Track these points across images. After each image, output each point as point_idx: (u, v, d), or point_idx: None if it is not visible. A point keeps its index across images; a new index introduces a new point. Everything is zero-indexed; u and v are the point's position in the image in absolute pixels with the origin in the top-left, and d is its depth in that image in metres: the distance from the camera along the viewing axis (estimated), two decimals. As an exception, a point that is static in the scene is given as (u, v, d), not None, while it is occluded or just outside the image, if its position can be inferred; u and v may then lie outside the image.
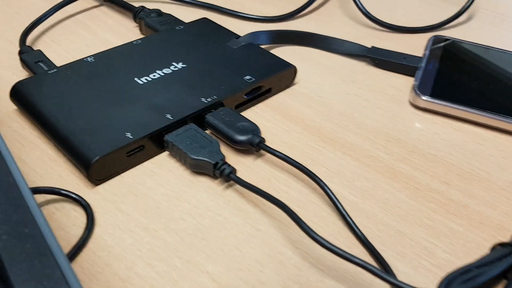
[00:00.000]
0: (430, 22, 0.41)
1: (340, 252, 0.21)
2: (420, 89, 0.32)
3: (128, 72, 0.30)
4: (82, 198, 0.24)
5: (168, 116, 0.27)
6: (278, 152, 0.26)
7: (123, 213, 0.24)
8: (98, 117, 0.27)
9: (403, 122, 0.31)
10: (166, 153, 0.27)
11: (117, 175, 0.26)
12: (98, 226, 0.23)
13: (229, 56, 0.33)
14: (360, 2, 0.40)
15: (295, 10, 0.41)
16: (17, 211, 0.18)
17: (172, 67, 0.31)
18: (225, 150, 0.27)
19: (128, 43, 0.33)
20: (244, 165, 0.27)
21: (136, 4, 0.40)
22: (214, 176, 0.26)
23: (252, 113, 0.31)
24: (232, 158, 0.27)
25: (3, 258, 0.16)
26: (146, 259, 0.22)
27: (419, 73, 0.33)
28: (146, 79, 0.30)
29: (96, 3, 0.42)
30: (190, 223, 0.24)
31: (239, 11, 0.41)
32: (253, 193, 0.24)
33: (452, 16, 0.40)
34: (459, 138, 0.30)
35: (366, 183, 0.26)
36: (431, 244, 0.23)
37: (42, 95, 0.28)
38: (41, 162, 0.26)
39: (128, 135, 0.25)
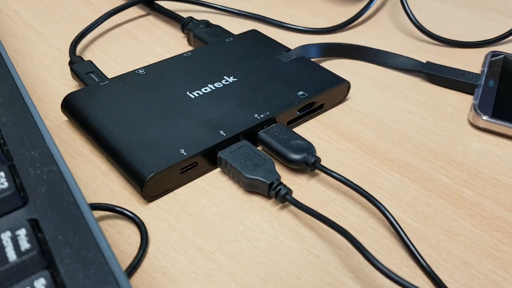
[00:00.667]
0: (486, 36, 0.39)
1: (405, 283, 0.20)
2: (481, 108, 0.30)
3: (179, 85, 0.30)
4: (136, 216, 0.23)
5: (221, 132, 0.26)
6: (335, 173, 0.25)
7: (177, 233, 0.23)
8: (152, 132, 0.26)
9: (463, 143, 0.29)
10: (218, 169, 0.27)
11: (170, 192, 0.25)
12: (152, 245, 0.23)
13: (280, 70, 0.32)
14: (413, 14, 0.39)
15: (344, 22, 0.40)
16: (79, 234, 0.17)
17: (223, 81, 0.30)
18: (278, 168, 0.26)
19: (179, 55, 0.33)
20: (298, 185, 0.26)
21: (183, 14, 0.39)
22: (268, 196, 0.25)
23: (304, 130, 0.30)
24: (286, 177, 0.26)
25: (66, 283, 0.16)
26: (201, 282, 0.21)
27: (479, 91, 0.32)
28: (198, 93, 0.29)
29: (143, 13, 0.42)
30: (245, 245, 0.23)
31: (288, 22, 0.41)
32: (308, 216, 0.24)
33: (510, 30, 0.39)
34: (523, 162, 0.28)
35: (428, 209, 0.25)
36: (499, 276, 0.22)
37: (94, 107, 0.28)
38: (93, 177, 0.26)
39: (182, 151, 0.25)
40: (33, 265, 0.16)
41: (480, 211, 0.25)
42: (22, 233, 0.17)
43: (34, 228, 0.18)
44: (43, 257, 0.17)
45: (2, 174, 0.19)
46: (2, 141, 0.22)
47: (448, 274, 0.22)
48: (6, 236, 0.17)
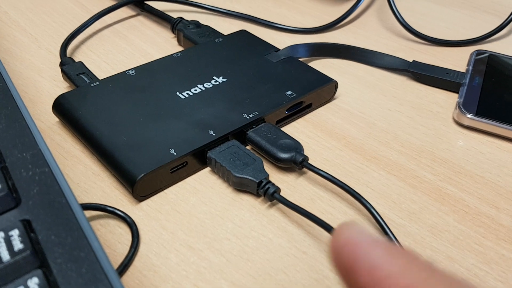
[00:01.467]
0: (472, 35, 0.40)
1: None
2: (465, 106, 0.31)
3: (170, 86, 0.30)
4: (127, 215, 0.24)
5: (211, 132, 0.27)
6: (322, 171, 0.26)
7: (167, 231, 0.24)
8: (142, 133, 0.26)
9: (448, 141, 0.30)
10: (207, 169, 0.27)
11: (160, 191, 0.26)
12: (143, 244, 0.23)
13: (269, 70, 0.32)
14: (399, 14, 0.40)
15: (333, 22, 0.41)
16: (71, 234, 0.18)
17: (213, 81, 0.31)
18: (266, 167, 0.27)
19: (169, 56, 0.33)
20: (287, 184, 0.27)
21: (172, 14, 0.40)
22: (257, 194, 0.26)
23: (292, 129, 0.30)
24: (274, 175, 0.27)
25: (59, 282, 0.16)
26: (192, 280, 0.22)
27: (463, 89, 0.33)
28: (188, 94, 0.30)
29: (133, 13, 0.42)
30: (235, 243, 0.23)
31: (277, 21, 0.41)
32: (296, 213, 0.24)
33: (495, 29, 0.39)
34: (506, 159, 0.29)
35: (413, 205, 0.26)
36: (481, 271, 0.23)
37: (85, 108, 0.28)
38: (84, 177, 0.26)
39: (172, 151, 0.25)
40: (26, 264, 0.17)
41: (464, 207, 0.26)
42: (15, 233, 0.17)
43: (27, 228, 0.18)
44: (36, 256, 0.17)
45: (-5, 175, 0.20)
46: (-6, 143, 0.22)
47: (432, 269, 0.23)
48: (0, 237, 0.17)
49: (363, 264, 0.13)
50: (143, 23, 0.41)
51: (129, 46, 0.38)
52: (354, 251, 0.13)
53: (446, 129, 0.31)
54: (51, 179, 0.20)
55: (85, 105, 0.28)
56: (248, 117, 0.28)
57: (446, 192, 0.26)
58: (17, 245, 0.17)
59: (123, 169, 0.25)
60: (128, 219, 0.24)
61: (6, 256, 0.17)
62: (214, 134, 0.27)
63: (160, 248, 0.23)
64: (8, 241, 0.17)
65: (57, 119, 0.30)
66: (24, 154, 0.21)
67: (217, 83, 0.31)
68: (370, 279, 0.13)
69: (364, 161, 0.28)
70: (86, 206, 0.24)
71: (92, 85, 0.30)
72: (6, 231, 0.18)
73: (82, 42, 0.38)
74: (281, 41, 0.39)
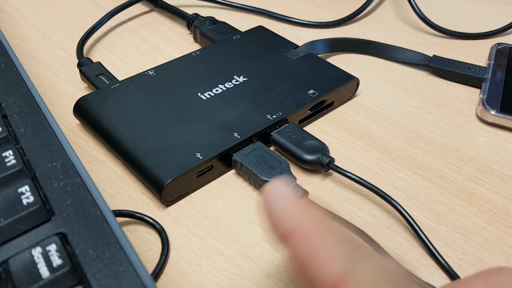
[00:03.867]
0: (490, 26, 0.40)
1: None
2: (489, 103, 0.31)
3: (190, 86, 0.30)
4: (157, 222, 0.24)
5: (235, 134, 0.27)
6: (350, 173, 0.25)
7: (196, 237, 0.24)
8: (166, 136, 0.26)
9: (472, 138, 0.30)
10: (232, 171, 0.27)
11: (186, 196, 0.26)
12: (173, 250, 0.23)
13: (289, 68, 0.32)
14: (417, 6, 0.39)
15: (349, 15, 0.40)
16: (108, 248, 0.18)
17: (233, 81, 0.30)
18: (292, 168, 0.27)
19: (187, 55, 0.33)
20: (313, 186, 0.26)
21: (185, 8, 0.39)
22: (284, 198, 0.25)
23: (315, 128, 0.30)
24: (300, 177, 0.27)
25: (101, 298, 0.16)
26: (225, 287, 0.22)
27: (486, 85, 0.32)
28: (209, 94, 0.29)
29: (147, 9, 0.42)
30: (265, 249, 0.23)
31: (292, 15, 0.41)
32: (326, 217, 0.24)
33: (514, 21, 0.39)
34: (532, 157, 0.29)
35: (441, 207, 0.25)
36: (513, 273, 0.23)
37: (107, 111, 0.28)
38: (110, 182, 0.26)
39: (198, 155, 0.25)
40: (66, 280, 0.17)
41: (492, 208, 0.25)
42: (52, 248, 0.17)
43: (64, 243, 0.18)
44: (75, 272, 0.17)
45: (27, 187, 0.19)
46: (22, 151, 0.22)
47: (464, 272, 0.22)
48: (37, 252, 0.17)
49: (271, 209, 0.16)
50: (157, 19, 0.40)
51: (144, 44, 0.37)
52: (265, 199, 0.17)
53: (469, 126, 0.31)
54: (83, 190, 0.20)
55: (107, 107, 0.28)
56: (271, 118, 0.28)
57: (473, 192, 0.26)
58: (56, 260, 0.17)
59: (150, 174, 0.24)
60: (157, 226, 0.23)
61: (45, 273, 0.17)
62: (238, 137, 0.26)
63: (190, 254, 0.23)
64: (46, 257, 0.17)
65: (77, 122, 0.30)
66: (54, 163, 0.21)
67: (238, 82, 0.30)
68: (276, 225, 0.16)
69: (390, 161, 0.28)
70: (116, 213, 0.24)
71: (112, 86, 0.30)
72: (43, 246, 0.17)
73: (97, 40, 0.37)
74: (297, 35, 0.39)
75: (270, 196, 0.17)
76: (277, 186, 0.17)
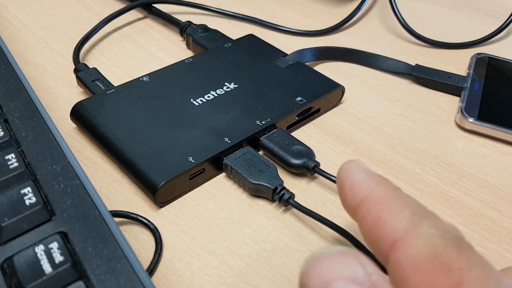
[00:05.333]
0: (472, 37, 0.41)
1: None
2: (467, 110, 0.32)
3: (183, 93, 0.31)
4: (151, 222, 0.25)
5: (226, 139, 0.28)
6: (334, 176, 0.27)
7: (188, 237, 0.25)
8: (160, 140, 0.28)
9: (451, 144, 0.31)
10: (223, 174, 0.28)
11: (179, 197, 0.27)
12: (166, 249, 0.24)
13: (278, 75, 0.33)
14: (401, 16, 0.41)
15: (336, 25, 0.42)
16: (107, 246, 0.19)
17: (225, 88, 0.32)
18: (279, 172, 0.28)
19: (180, 62, 0.34)
20: (299, 189, 0.28)
21: (178, 16, 0.40)
22: (272, 200, 0.27)
23: (302, 134, 0.32)
24: (287, 180, 0.28)
25: (100, 293, 0.17)
26: (215, 284, 0.23)
27: (465, 93, 0.34)
28: (201, 100, 0.31)
29: (141, 15, 0.43)
30: (253, 248, 0.25)
31: (282, 24, 0.42)
32: (310, 218, 0.25)
33: (494, 32, 0.41)
34: (507, 162, 0.30)
35: (420, 209, 0.27)
36: (485, 272, 0.24)
37: (104, 116, 0.29)
38: (105, 184, 0.27)
39: (191, 159, 0.26)
40: (67, 276, 0.18)
41: (468, 211, 0.27)
42: (54, 246, 0.19)
43: (65, 241, 0.19)
44: (75, 268, 0.18)
45: (29, 189, 0.21)
46: (23, 154, 0.23)
47: (439, 270, 0.24)
48: (40, 250, 0.18)
49: (347, 181, 0.18)
50: (151, 26, 0.42)
51: (139, 50, 0.39)
52: (341, 174, 0.19)
53: (448, 132, 0.32)
54: (82, 191, 0.21)
55: (103, 112, 0.29)
56: (261, 124, 0.29)
57: (450, 196, 0.28)
58: (58, 257, 0.18)
59: (145, 177, 0.26)
60: (151, 226, 0.25)
61: (48, 269, 0.18)
62: (229, 141, 0.28)
63: (182, 253, 0.24)
64: (48, 254, 0.18)
65: (74, 125, 0.31)
66: (54, 166, 0.22)
67: (229, 89, 0.32)
68: (350, 195, 0.18)
69: (372, 166, 0.29)
70: (111, 214, 0.25)
71: (108, 92, 0.31)
72: (46, 244, 0.19)
73: (93, 46, 0.39)
74: (286, 44, 0.40)
75: (345, 170, 0.19)
76: (352, 163, 0.19)
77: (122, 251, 0.19)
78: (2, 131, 0.23)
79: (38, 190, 0.21)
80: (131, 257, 0.19)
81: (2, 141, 0.23)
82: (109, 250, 0.19)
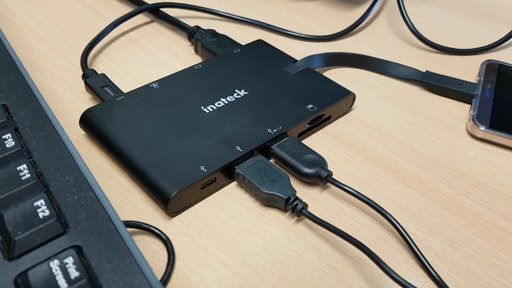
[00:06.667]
0: (481, 42, 0.41)
1: (418, 295, 0.21)
2: (479, 119, 0.32)
3: (194, 100, 0.31)
4: (163, 233, 0.25)
5: (238, 148, 0.28)
6: (347, 186, 0.27)
7: (201, 248, 0.25)
8: (171, 149, 0.27)
9: (463, 153, 0.31)
10: (234, 182, 0.28)
11: (190, 207, 0.27)
12: (179, 260, 0.24)
13: (288, 82, 0.33)
14: (411, 21, 0.40)
15: (345, 29, 0.42)
16: (123, 260, 0.19)
17: (235, 95, 0.32)
18: (291, 181, 0.28)
19: (190, 68, 0.34)
20: (311, 198, 0.28)
21: (185, 20, 0.40)
22: (284, 210, 0.27)
23: (313, 142, 0.31)
24: (299, 190, 0.28)
25: (116, 309, 0.17)
26: (229, 296, 0.23)
27: (476, 101, 0.34)
28: (212, 108, 0.30)
29: (148, 20, 0.43)
30: (266, 259, 0.24)
31: (290, 28, 0.42)
32: (323, 228, 0.25)
33: (504, 38, 0.40)
34: (519, 171, 0.30)
35: (433, 219, 0.27)
36: (501, 284, 0.24)
37: (113, 124, 0.29)
38: (116, 193, 0.27)
39: (202, 168, 0.26)
40: (84, 292, 0.18)
41: (481, 221, 0.27)
42: (70, 261, 0.18)
43: (79, 255, 0.19)
44: (92, 284, 0.18)
45: (42, 201, 0.20)
46: (35, 165, 0.23)
47: (454, 283, 0.24)
48: (55, 265, 0.18)
49: None
50: (158, 30, 0.41)
51: (146, 55, 0.38)
52: None
53: (460, 141, 0.32)
54: (96, 204, 0.21)
55: (113, 120, 0.29)
56: (272, 132, 0.29)
57: (463, 206, 0.28)
58: (73, 273, 0.18)
59: (156, 186, 0.25)
60: (163, 236, 0.24)
61: (63, 285, 0.18)
62: (241, 150, 0.28)
63: (195, 264, 0.24)
64: (64, 270, 0.18)
65: (82, 132, 0.31)
66: (67, 177, 0.22)
67: (239, 96, 0.31)
68: None
69: (384, 175, 0.29)
70: (125, 224, 0.24)
71: (118, 99, 0.30)
72: (61, 259, 0.18)
73: (100, 50, 0.38)
74: (295, 48, 0.40)
75: None
76: None
77: (138, 265, 0.18)
78: (13, 140, 0.23)
79: (51, 202, 0.20)
80: (148, 272, 0.18)
81: (13, 151, 0.23)
82: (125, 265, 0.18)
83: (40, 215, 0.20)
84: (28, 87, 0.27)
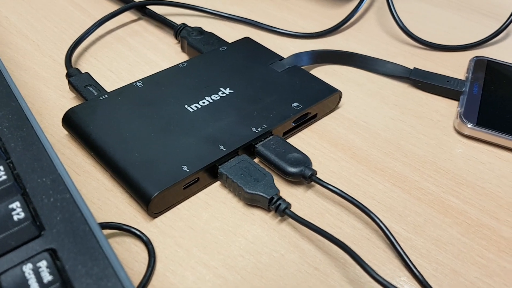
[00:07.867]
0: (470, 38, 0.41)
1: (400, 295, 0.21)
2: (466, 116, 0.32)
3: (178, 98, 0.30)
4: (144, 234, 0.24)
5: (221, 147, 0.27)
6: (331, 185, 0.26)
7: (182, 249, 0.24)
8: (154, 148, 0.27)
9: (449, 151, 0.31)
10: (218, 182, 0.28)
11: (173, 207, 0.26)
12: (160, 262, 0.24)
13: (274, 80, 0.33)
14: (399, 18, 0.40)
15: (334, 26, 0.41)
16: (97, 264, 0.18)
17: (220, 93, 0.31)
18: (275, 180, 0.27)
19: (175, 66, 0.33)
20: (296, 197, 0.27)
21: (172, 17, 0.40)
22: (268, 209, 0.26)
23: (299, 140, 0.31)
24: (283, 189, 0.28)
25: (90, 313, 0.17)
26: (209, 298, 0.22)
27: (463, 98, 0.33)
28: (196, 106, 0.30)
29: (135, 17, 0.42)
30: (248, 260, 0.24)
31: (279, 25, 0.41)
32: (307, 228, 0.25)
33: (493, 34, 0.40)
34: (505, 169, 0.30)
35: (418, 218, 0.26)
36: (485, 284, 0.24)
37: (96, 123, 0.28)
38: (97, 193, 0.27)
39: (185, 168, 0.26)
40: (57, 296, 0.17)
41: (467, 219, 0.27)
42: (43, 265, 0.18)
43: (54, 258, 0.18)
44: (65, 288, 0.18)
45: (18, 203, 0.20)
46: (12, 166, 0.22)
47: (438, 283, 0.24)
48: (28, 269, 0.18)
49: None
50: (145, 28, 0.41)
51: (132, 53, 0.38)
52: None
53: (447, 138, 0.32)
54: (73, 206, 0.20)
55: (95, 119, 0.29)
56: (256, 131, 0.29)
57: (449, 204, 0.27)
58: (46, 277, 0.18)
59: (138, 187, 0.25)
60: (144, 238, 0.24)
61: (36, 288, 0.17)
62: (224, 149, 0.27)
63: (176, 266, 0.24)
64: (37, 273, 0.18)
65: (65, 132, 0.30)
66: (44, 179, 0.22)
67: (224, 95, 0.31)
68: None
69: (370, 173, 0.29)
70: (104, 225, 0.24)
71: (101, 98, 0.30)
72: (34, 262, 0.18)
73: (85, 49, 0.38)
74: (283, 45, 0.40)
75: None
76: None
77: (113, 268, 0.18)
78: (-10, 142, 0.23)
79: (27, 204, 0.20)
80: (122, 276, 0.18)
81: (-10, 152, 0.22)
82: (99, 268, 0.18)
83: (15, 217, 0.19)
84: (8, 87, 0.27)
